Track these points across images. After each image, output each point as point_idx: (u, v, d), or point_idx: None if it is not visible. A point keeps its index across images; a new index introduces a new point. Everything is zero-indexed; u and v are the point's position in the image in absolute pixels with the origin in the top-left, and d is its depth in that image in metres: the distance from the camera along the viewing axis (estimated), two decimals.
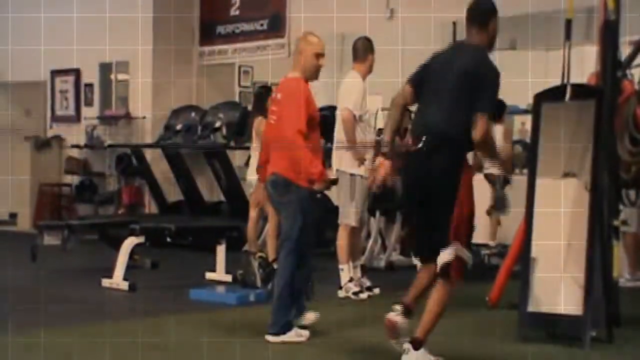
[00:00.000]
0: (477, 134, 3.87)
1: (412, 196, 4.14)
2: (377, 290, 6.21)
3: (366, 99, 6.09)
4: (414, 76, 4.18)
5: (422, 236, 4.19)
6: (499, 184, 6.88)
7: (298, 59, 4.78)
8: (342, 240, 6.11)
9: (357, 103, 5.99)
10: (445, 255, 3.95)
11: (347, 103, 5.99)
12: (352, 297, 6.04)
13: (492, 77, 3.98)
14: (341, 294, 6.09)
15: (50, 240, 7.90)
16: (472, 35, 4.12)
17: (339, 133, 6.13)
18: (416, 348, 3.97)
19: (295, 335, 4.63)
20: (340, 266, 6.12)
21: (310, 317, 4.85)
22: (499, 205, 6.54)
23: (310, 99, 4.68)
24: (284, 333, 4.60)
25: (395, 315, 4.07)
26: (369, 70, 6.14)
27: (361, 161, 5.97)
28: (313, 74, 4.78)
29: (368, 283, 6.27)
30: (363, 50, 6.12)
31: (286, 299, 4.62)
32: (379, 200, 6.86)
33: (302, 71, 4.76)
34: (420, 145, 3.97)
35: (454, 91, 3.98)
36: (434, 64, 4.15)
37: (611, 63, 4.91)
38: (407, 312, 4.09)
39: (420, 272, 4.20)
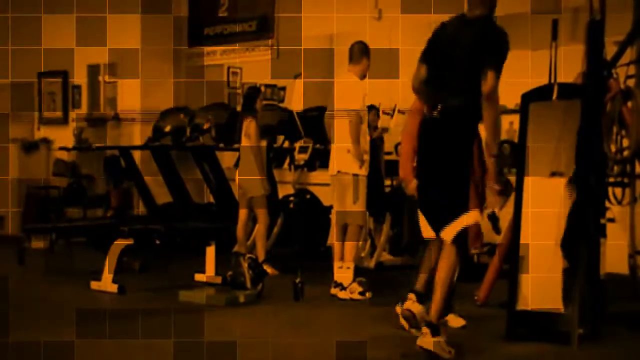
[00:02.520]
0: (485, 87, 4.08)
1: (428, 165, 4.30)
2: None
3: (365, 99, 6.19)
4: (424, 54, 4.39)
5: (435, 206, 4.29)
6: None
7: None
8: (352, 240, 6.12)
9: (363, 103, 6.09)
10: (466, 219, 4.08)
11: (353, 104, 6.04)
12: (359, 297, 5.98)
13: (500, 40, 4.22)
14: (343, 294, 6.03)
15: (37, 243, 7.88)
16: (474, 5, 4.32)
17: (339, 134, 6.16)
18: (434, 334, 4.01)
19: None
20: (347, 265, 6.08)
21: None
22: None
23: None
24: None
25: (412, 304, 4.20)
26: (363, 74, 6.22)
27: (362, 162, 6.04)
28: None
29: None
30: (358, 53, 6.20)
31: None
32: (371, 201, 6.85)
33: None
34: (435, 113, 4.18)
35: (465, 62, 4.19)
36: (442, 38, 4.36)
37: (596, 62, 4.94)
38: (421, 298, 4.22)
39: (427, 253, 4.36)
